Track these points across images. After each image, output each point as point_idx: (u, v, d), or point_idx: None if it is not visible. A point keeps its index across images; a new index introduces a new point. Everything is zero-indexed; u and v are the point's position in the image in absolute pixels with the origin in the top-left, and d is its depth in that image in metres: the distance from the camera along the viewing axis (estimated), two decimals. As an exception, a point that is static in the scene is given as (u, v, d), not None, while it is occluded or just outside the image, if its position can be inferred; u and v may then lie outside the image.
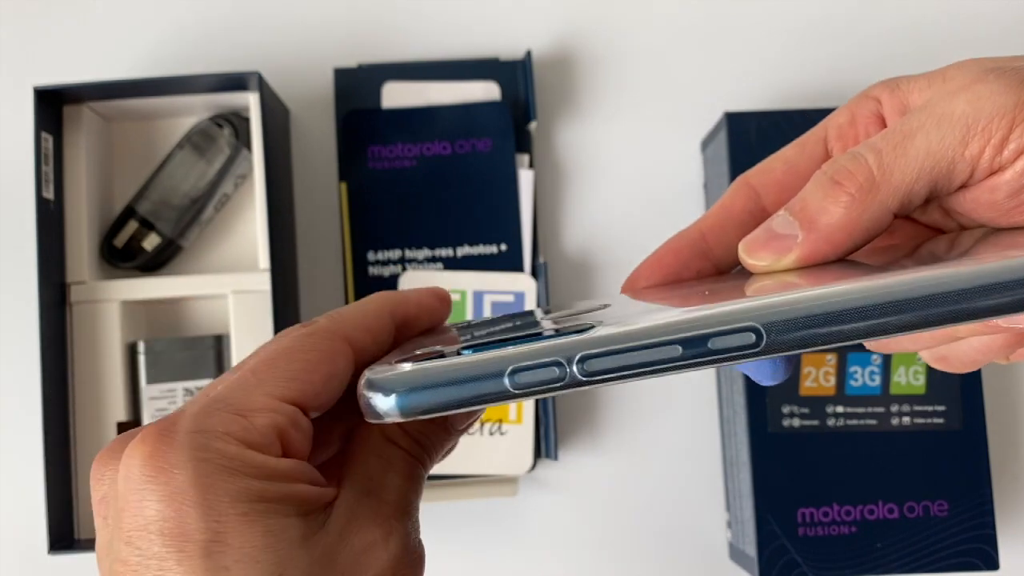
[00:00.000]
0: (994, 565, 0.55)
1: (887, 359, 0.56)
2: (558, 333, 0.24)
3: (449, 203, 0.63)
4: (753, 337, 0.23)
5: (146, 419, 0.59)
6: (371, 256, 0.62)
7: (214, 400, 0.25)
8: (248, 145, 0.61)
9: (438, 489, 0.60)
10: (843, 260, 0.28)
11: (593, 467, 0.63)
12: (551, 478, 0.63)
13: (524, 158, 0.64)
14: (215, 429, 0.25)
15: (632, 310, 0.26)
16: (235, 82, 0.59)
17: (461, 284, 0.61)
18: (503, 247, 0.62)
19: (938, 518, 0.55)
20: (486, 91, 0.64)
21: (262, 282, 0.58)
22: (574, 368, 0.24)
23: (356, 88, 0.64)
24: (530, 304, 0.62)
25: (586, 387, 0.24)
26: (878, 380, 0.57)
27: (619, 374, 0.24)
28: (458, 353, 0.24)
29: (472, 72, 0.64)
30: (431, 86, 0.64)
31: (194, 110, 0.62)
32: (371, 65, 0.64)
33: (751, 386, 0.56)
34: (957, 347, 0.28)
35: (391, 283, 0.62)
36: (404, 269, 0.62)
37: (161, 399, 0.59)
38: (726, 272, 0.32)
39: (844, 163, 0.27)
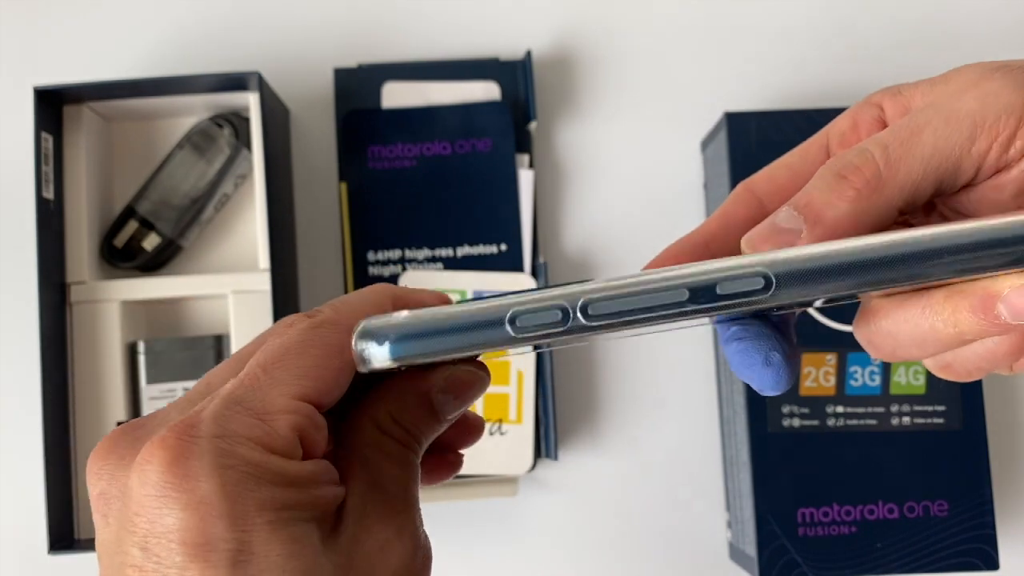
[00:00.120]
0: (994, 565, 0.55)
1: (887, 359, 0.56)
2: (559, 285, 0.24)
3: (449, 203, 0.63)
4: (762, 282, 0.23)
5: (146, 419, 0.59)
6: (371, 256, 0.62)
7: (230, 401, 0.25)
8: (248, 145, 0.61)
9: (438, 489, 0.60)
10: None
11: (593, 467, 0.63)
12: (551, 478, 0.63)
13: (524, 158, 0.64)
14: (238, 434, 0.24)
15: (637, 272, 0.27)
16: (235, 82, 0.59)
17: (461, 284, 0.61)
18: (503, 247, 0.62)
19: (938, 518, 0.55)
20: (486, 91, 0.64)
21: (262, 282, 0.58)
22: (577, 312, 0.24)
23: (356, 88, 0.64)
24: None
25: (588, 334, 0.24)
26: (878, 380, 0.57)
27: (622, 319, 0.24)
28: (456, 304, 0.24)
29: (472, 72, 0.64)
30: (431, 86, 0.64)
31: (194, 110, 0.62)
32: (371, 65, 0.64)
33: (751, 386, 0.56)
34: (962, 354, 0.28)
35: (391, 283, 0.62)
36: (404, 269, 0.62)
37: (161, 399, 0.59)
38: None
39: (851, 158, 0.27)
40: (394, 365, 0.25)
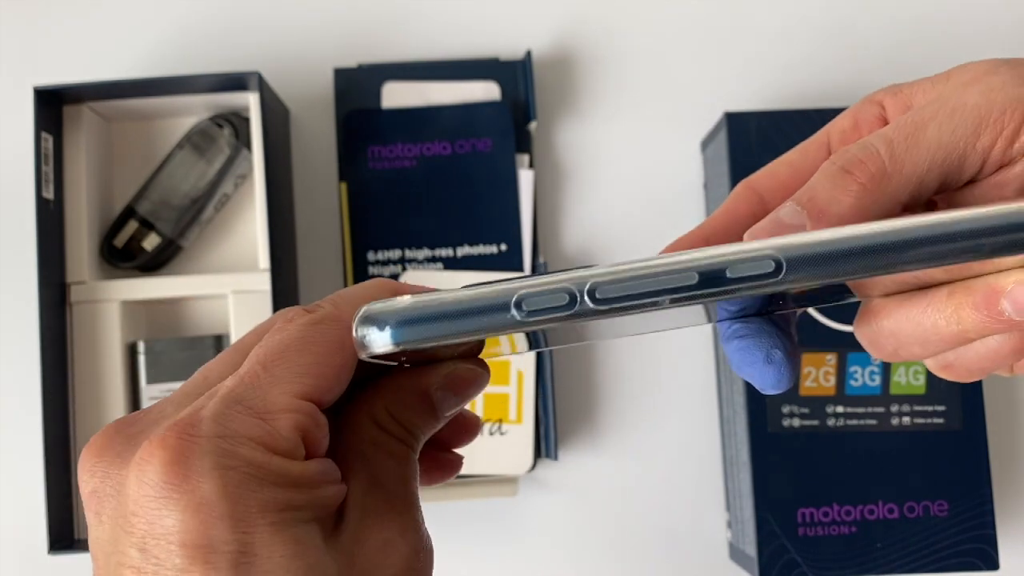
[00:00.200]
0: (994, 565, 0.55)
1: (887, 359, 0.56)
2: (566, 270, 0.24)
3: (449, 203, 0.63)
4: (772, 265, 0.23)
5: (146, 419, 0.59)
6: (371, 256, 0.62)
7: (231, 400, 0.24)
8: (248, 145, 0.61)
9: (438, 489, 0.60)
10: None
11: (593, 467, 0.63)
12: (551, 478, 0.63)
13: (524, 158, 0.64)
14: (239, 434, 0.24)
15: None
16: (235, 82, 0.59)
17: (461, 284, 0.61)
18: (503, 247, 0.62)
19: (938, 518, 0.55)
20: (486, 91, 0.64)
21: (262, 282, 0.58)
22: (584, 295, 0.23)
23: (356, 88, 0.64)
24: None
25: (595, 319, 0.23)
26: (878, 380, 0.57)
27: (630, 303, 0.23)
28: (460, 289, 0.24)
29: (472, 72, 0.64)
30: (431, 86, 0.64)
31: (194, 110, 0.62)
32: (371, 65, 0.64)
33: (751, 386, 0.56)
34: (964, 353, 0.28)
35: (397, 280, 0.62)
36: (404, 269, 0.62)
37: (161, 399, 0.59)
38: None
39: (855, 152, 0.27)
40: (396, 350, 0.24)
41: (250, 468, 0.23)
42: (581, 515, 0.63)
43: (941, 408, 0.56)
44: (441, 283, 0.61)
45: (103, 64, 0.65)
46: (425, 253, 0.62)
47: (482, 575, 0.63)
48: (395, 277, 0.62)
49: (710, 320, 0.30)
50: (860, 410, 0.56)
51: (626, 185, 0.65)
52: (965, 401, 0.56)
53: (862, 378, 0.57)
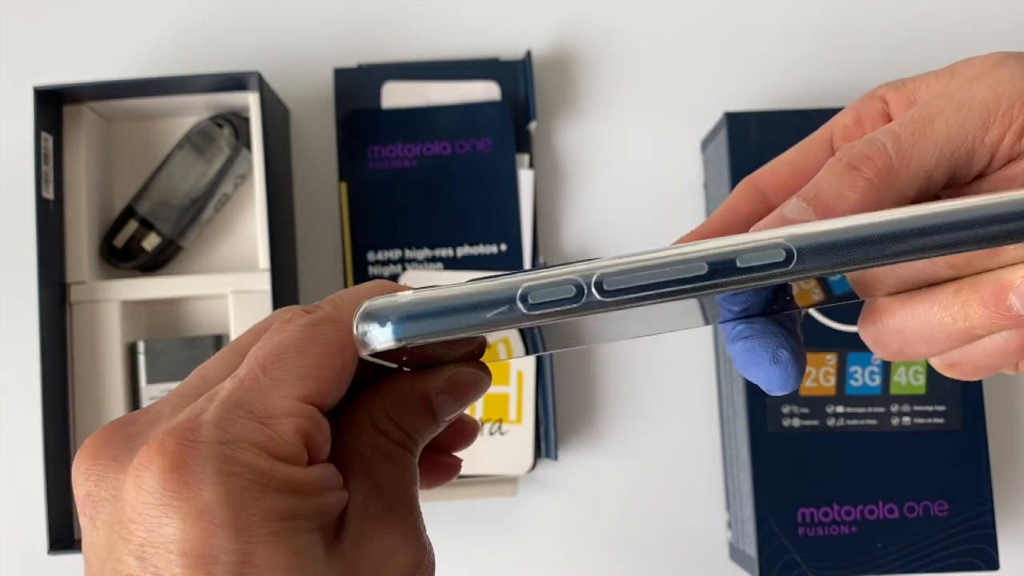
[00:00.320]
0: (994, 565, 0.55)
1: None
2: (571, 263, 0.24)
3: (449, 203, 0.63)
4: (783, 254, 0.23)
5: (146, 419, 0.59)
6: (371, 256, 0.62)
7: (231, 404, 0.24)
8: (248, 145, 0.61)
9: (439, 488, 0.60)
10: None
11: (593, 467, 0.63)
12: (551, 478, 0.63)
13: (524, 158, 0.64)
14: (241, 439, 0.23)
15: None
16: (235, 82, 0.59)
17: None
18: (503, 247, 0.62)
19: (938, 518, 0.55)
20: (486, 91, 0.64)
21: (262, 282, 0.58)
22: (592, 287, 0.23)
23: (356, 88, 0.64)
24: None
25: (602, 311, 0.23)
26: (878, 380, 0.57)
27: (639, 294, 0.23)
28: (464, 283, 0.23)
29: (472, 72, 0.64)
30: (431, 86, 0.64)
31: (194, 110, 0.62)
32: (371, 65, 0.64)
33: (751, 386, 0.56)
34: (970, 351, 0.27)
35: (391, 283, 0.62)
36: (404, 269, 0.62)
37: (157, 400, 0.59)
38: None
39: (861, 148, 0.27)
40: (397, 346, 0.23)
41: (253, 475, 0.23)
42: (581, 515, 0.63)
43: (941, 408, 0.56)
44: (441, 283, 0.61)
45: (103, 64, 0.65)
46: (425, 253, 0.62)
47: (482, 575, 0.63)
48: (395, 277, 0.62)
49: (709, 322, 0.29)
50: (860, 410, 0.56)
51: (626, 185, 0.65)
52: (965, 401, 0.56)
53: (862, 378, 0.57)
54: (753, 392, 0.56)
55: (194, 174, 0.61)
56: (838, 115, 0.31)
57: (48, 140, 0.58)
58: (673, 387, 0.64)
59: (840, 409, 0.56)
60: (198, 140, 0.61)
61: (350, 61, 0.65)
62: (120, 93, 0.59)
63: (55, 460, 0.56)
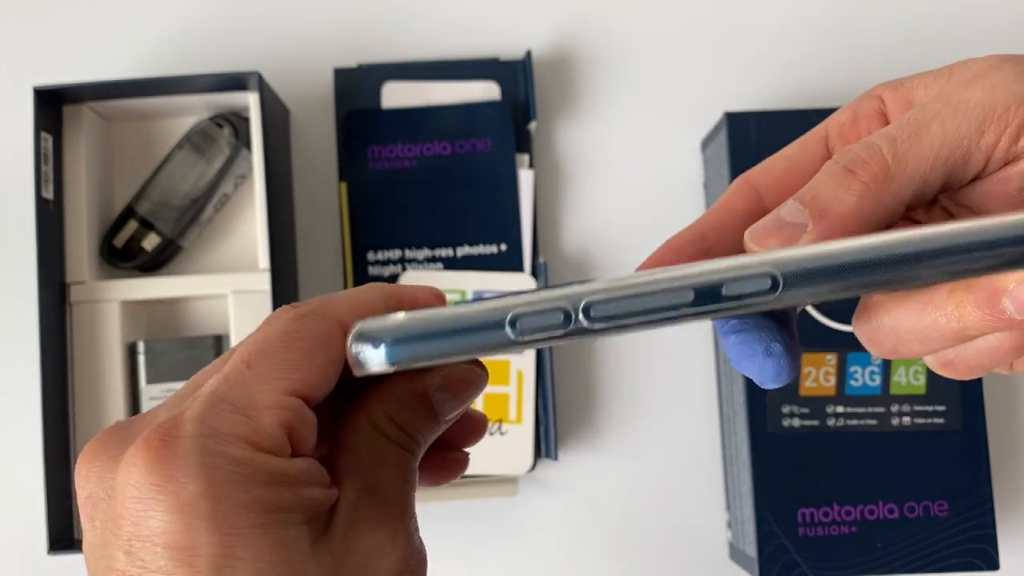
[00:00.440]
0: (994, 565, 0.55)
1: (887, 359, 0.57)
2: (559, 287, 0.24)
3: (449, 203, 0.63)
4: (769, 282, 0.23)
5: (146, 419, 0.59)
6: (371, 256, 0.62)
7: (215, 399, 0.24)
8: (248, 145, 0.61)
9: (438, 488, 0.60)
10: None
11: (593, 467, 0.63)
12: (551, 478, 0.63)
13: (524, 158, 0.64)
14: (223, 432, 0.23)
15: (639, 273, 0.26)
16: (235, 82, 0.59)
17: (461, 284, 0.61)
18: (503, 247, 0.62)
19: (938, 518, 0.55)
20: (486, 91, 0.64)
21: (262, 282, 0.58)
22: (579, 314, 0.23)
23: (356, 88, 0.64)
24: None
25: (590, 336, 0.23)
26: (878, 380, 0.57)
27: (626, 321, 0.23)
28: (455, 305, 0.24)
29: (472, 72, 0.64)
30: (431, 86, 0.64)
31: (194, 110, 0.62)
32: (371, 65, 0.64)
33: (751, 386, 0.56)
34: (964, 350, 0.28)
35: (390, 284, 0.62)
36: (404, 269, 0.62)
37: (161, 399, 0.59)
38: None
39: (858, 151, 0.27)
40: (391, 370, 0.24)
41: (235, 466, 0.23)
42: (581, 515, 0.63)
43: (941, 408, 0.56)
44: (441, 283, 0.61)
45: (103, 64, 0.65)
46: (425, 253, 0.62)
47: (482, 575, 0.63)
48: (394, 278, 0.62)
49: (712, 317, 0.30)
50: (860, 410, 0.56)
51: (626, 185, 0.65)
52: (965, 401, 0.56)
53: (862, 378, 0.57)
54: (753, 392, 0.56)
55: (194, 174, 0.61)
56: (835, 113, 0.31)
57: (48, 140, 0.58)
58: (673, 387, 0.64)
59: (840, 409, 0.56)
60: (198, 140, 0.61)
61: (350, 61, 0.65)
62: (120, 93, 0.59)
63: (55, 460, 0.56)
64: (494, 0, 0.66)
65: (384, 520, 0.26)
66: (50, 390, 0.56)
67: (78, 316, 0.59)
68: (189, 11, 0.66)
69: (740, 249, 0.28)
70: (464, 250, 0.62)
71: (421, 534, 0.27)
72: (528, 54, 0.63)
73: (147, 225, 0.61)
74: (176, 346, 0.60)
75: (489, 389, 0.60)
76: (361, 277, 0.62)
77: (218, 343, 0.60)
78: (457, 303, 0.24)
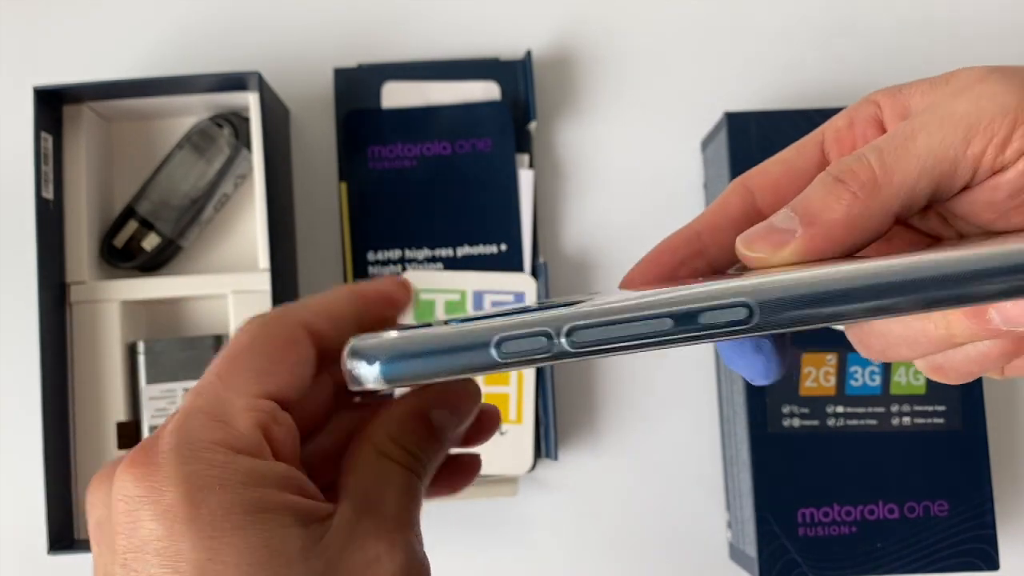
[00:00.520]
0: (994, 565, 0.55)
1: (887, 359, 0.56)
2: (546, 307, 0.24)
3: (449, 203, 0.63)
4: (745, 312, 0.23)
5: (146, 419, 0.59)
6: (371, 256, 0.62)
7: (191, 411, 0.25)
8: (248, 145, 0.61)
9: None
10: (840, 258, 0.28)
11: (593, 467, 0.63)
12: (551, 478, 0.63)
13: (524, 158, 0.64)
14: (200, 439, 0.24)
15: (622, 294, 0.27)
16: (235, 82, 0.59)
17: (461, 284, 0.61)
18: (503, 247, 0.62)
19: (938, 518, 0.55)
20: (486, 91, 0.64)
21: (262, 282, 0.58)
22: (561, 339, 0.24)
23: (356, 88, 0.64)
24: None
25: (573, 359, 0.24)
26: (878, 380, 0.57)
27: (607, 346, 0.24)
28: (445, 323, 0.24)
29: (472, 72, 0.64)
30: (431, 86, 0.64)
31: (194, 110, 0.62)
32: (371, 65, 0.64)
33: (751, 386, 0.56)
34: (953, 356, 0.28)
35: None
36: (404, 269, 0.62)
37: (161, 399, 0.59)
38: (722, 272, 0.32)
39: (848, 163, 0.27)
40: (385, 387, 0.25)
41: (212, 469, 0.24)
42: (581, 515, 0.63)
43: (941, 408, 0.56)
44: (441, 283, 0.61)
45: (103, 64, 0.65)
46: (425, 253, 0.62)
47: (482, 575, 0.63)
48: (395, 277, 0.62)
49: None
50: (860, 410, 0.56)
51: (626, 185, 0.65)
52: (965, 401, 0.56)
53: (862, 378, 0.57)
54: (753, 392, 0.56)
55: (194, 174, 0.61)
56: (832, 118, 0.32)
57: (48, 140, 0.58)
58: (673, 387, 0.64)
59: (840, 409, 0.56)
60: (198, 140, 0.61)
61: (350, 61, 0.65)
62: (120, 93, 0.59)
63: (55, 460, 0.56)
64: (494, 0, 0.66)
65: (383, 533, 0.26)
66: (50, 390, 0.56)
67: (78, 316, 0.59)
68: (189, 11, 0.66)
69: (733, 250, 0.29)
70: (464, 250, 0.62)
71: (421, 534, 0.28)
72: (528, 54, 0.63)
73: (147, 225, 0.61)
74: (176, 346, 0.60)
75: (489, 389, 0.60)
76: (361, 277, 0.62)
77: (218, 343, 0.60)
78: (448, 320, 0.25)
